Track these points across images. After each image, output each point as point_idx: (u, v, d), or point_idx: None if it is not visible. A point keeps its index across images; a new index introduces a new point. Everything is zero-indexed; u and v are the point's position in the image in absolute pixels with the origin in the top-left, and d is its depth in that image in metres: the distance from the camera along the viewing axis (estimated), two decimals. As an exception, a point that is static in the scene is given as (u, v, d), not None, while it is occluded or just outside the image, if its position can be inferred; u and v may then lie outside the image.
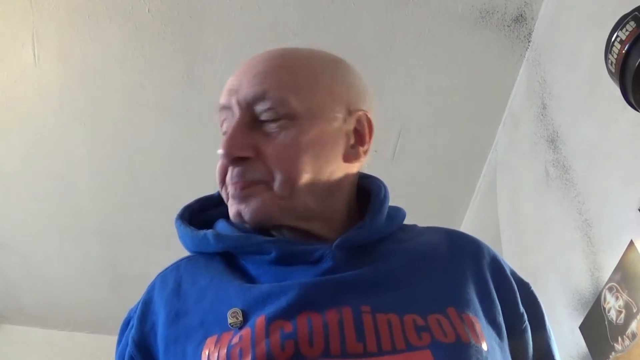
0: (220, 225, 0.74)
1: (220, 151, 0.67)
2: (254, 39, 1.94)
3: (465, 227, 2.51)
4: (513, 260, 2.01)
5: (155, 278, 0.75)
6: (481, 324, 0.63)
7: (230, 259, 0.72)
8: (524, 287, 0.75)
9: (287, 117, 0.67)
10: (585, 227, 1.51)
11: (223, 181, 0.71)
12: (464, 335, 0.60)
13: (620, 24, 1.08)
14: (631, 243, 1.27)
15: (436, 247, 0.73)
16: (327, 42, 2.06)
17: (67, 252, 2.77)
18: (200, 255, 0.74)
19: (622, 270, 1.31)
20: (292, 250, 0.67)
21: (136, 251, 2.71)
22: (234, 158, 0.67)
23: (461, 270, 0.70)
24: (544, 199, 1.77)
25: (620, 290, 1.30)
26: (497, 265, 0.74)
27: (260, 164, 0.67)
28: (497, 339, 0.65)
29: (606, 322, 1.34)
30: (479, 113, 2.14)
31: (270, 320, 0.59)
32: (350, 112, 0.73)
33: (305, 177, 0.68)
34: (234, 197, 0.68)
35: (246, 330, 0.59)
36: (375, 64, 1.99)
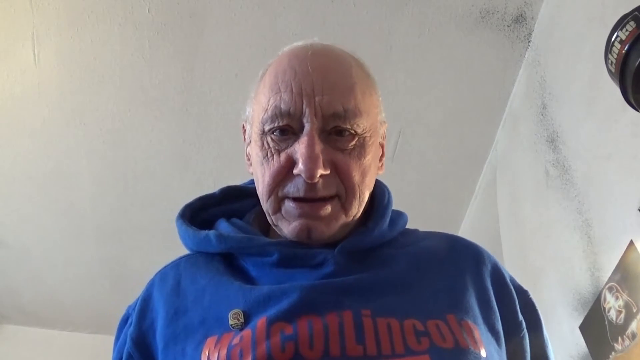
0: (222, 226, 0.74)
1: (301, 167, 0.63)
2: (254, 39, 1.94)
3: (465, 227, 2.51)
4: (513, 260, 2.01)
5: (155, 275, 0.75)
6: (480, 331, 0.64)
7: (230, 259, 0.72)
8: (523, 294, 0.76)
9: (359, 136, 0.67)
10: (585, 227, 1.51)
11: (276, 189, 0.67)
12: (463, 342, 0.60)
13: (620, 24, 1.08)
14: (631, 243, 1.27)
15: (437, 253, 0.73)
16: (327, 42, 2.07)
17: (67, 251, 2.77)
18: (200, 254, 0.74)
19: (622, 270, 1.31)
20: (294, 253, 0.67)
21: (136, 251, 2.71)
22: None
23: (461, 277, 0.70)
24: (544, 199, 1.77)
25: (620, 290, 1.30)
26: (497, 273, 0.74)
27: (335, 180, 0.65)
28: (496, 345, 0.66)
29: (606, 322, 1.34)
30: (479, 113, 2.14)
31: (271, 322, 0.59)
32: (381, 125, 0.75)
33: (367, 195, 0.70)
34: (307, 214, 0.65)
35: (247, 332, 0.59)
36: (375, 64, 1.98)
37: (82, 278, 2.91)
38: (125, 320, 0.73)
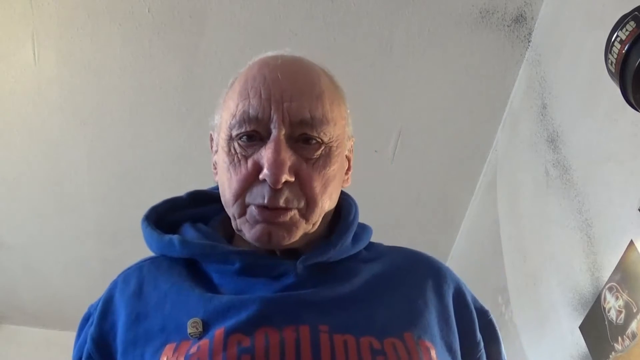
0: (186, 230, 0.75)
1: (266, 172, 0.63)
2: (254, 39, 1.94)
3: (465, 227, 2.51)
4: (513, 260, 2.01)
5: (117, 277, 0.77)
6: (437, 350, 0.64)
7: (194, 264, 0.72)
8: (484, 315, 0.77)
9: (325, 145, 0.67)
10: (585, 227, 1.51)
11: (242, 195, 0.66)
12: None
13: (620, 24, 1.08)
14: (631, 243, 1.27)
15: (399, 269, 0.73)
16: (327, 42, 2.07)
17: (67, 252, 2.77)
18: (164, 258, 0.75)
19: (622, 270, 1.31)
20: (256, 263, 0.67)
21: (136, 251, 2.69)
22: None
23: (422, 295, 0.70)
24: (544, 199, 1.77)
25: (620, 290, 1.30)
26: (459, 292, 0.75)
27: (297, 189, 0.65)
28: None
29: (606, 322, 1.34)
30: (479, 113, 2.14)
31: (228, 333, 0.60)
32: (349, 138, 0.75)
33: (328, 206, 0.69)
34: (267, 220, 0.65)
35: (204, 341, 0.60)
36: (375, 64, 1.99)
37: (82, 278, 2.91)
38: (86, 319, 0.75)
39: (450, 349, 0.67)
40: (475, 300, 0.77)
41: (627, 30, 1.06)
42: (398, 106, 2.10)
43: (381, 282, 0.70)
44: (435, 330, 0.67)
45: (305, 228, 0.67)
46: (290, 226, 0.66)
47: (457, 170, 2.34)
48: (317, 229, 0.69)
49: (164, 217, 0.79)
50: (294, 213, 0.65)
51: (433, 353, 0.63)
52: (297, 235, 0.67)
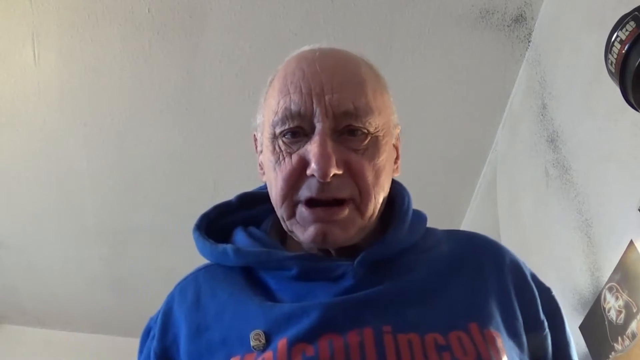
0: (239, 236, 0.73)
1: (313, 167, 0.61)
2: (254, 39, 1.94)
3: (465, 227, 2.51)
4: (513, 260, 2.01)
5: (174, 288, 0.74)
6: (503, 338, 0.63)
7: (250, 272, 0.71)
8: (546, 292, 0.74)
9: (372, 135, 0.66)
10: (585, 227, 1.51)
11: (290, 194, 0.65)
12: (485, 353, 0.60)
13: (620, 24, 1.08)
14: (631, 243, 1.27)
15: (457, 255, 0.72)
16: (327, 42, 2.06)
17: (67, 252, 2.77)
18: (218, 266, 0.73)
19: (622, 270, 1.31)
20: (313, 267, 0.66)
21: (136, 251, 2.70)
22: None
23: (483, 281, 0.69)
24: (544, 199, 1.77)
25: (620, 290, 1.30)
26: (518, 272, 0.73)
27: (349, 180, 0.64)
28: (518, 351, 0.65)
29: (606, 322, 1.34)
30: (479, 113, 2.14)
31: (292, 344, 0.59)
32: (395, 127, 0.74)
33: (382, 197, 0.68)
34: (321, 219, 0.63)
35: (268, 354, 0.59)
36: (375, 64, 1.99)
37: (82, 278, 2.91)
38: (147, 333, 0.73)
39: (515, 335, 0.66)
40: (534, 277, 0.75)
41: (627, 30, 1.06)
42: (398, 106, 2.09)
43: (440, 273, 0.68)
44: (499, 317, 0.66)
45: (361, 223, 0.66)
46: (346, 223, 0.64)
47: (457, 170, 2.34)
48: (371, 222, 0.68)
49: (214, 223, 0.77)
50: (348, 209, 0.64)
51: (499, 342, 0.62)
52: (353, 232, 0.65)
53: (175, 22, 1.92)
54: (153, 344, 0.69)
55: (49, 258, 2.81)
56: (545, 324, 0.71)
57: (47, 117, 2.19)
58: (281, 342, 0.59)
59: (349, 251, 0.67)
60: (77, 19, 1.92)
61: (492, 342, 0.61)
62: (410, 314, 0.62)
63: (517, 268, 0.73)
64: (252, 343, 0.60)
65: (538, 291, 0.73)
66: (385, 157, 0.67)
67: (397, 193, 0.75)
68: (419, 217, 0.76)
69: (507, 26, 1.89)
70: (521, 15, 1.86)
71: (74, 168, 2.38)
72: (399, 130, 0.75)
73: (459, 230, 0.79)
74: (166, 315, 0.70)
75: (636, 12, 1.06)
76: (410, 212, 0.74)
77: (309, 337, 0.59)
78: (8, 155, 2.35)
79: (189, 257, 0.84)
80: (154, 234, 2.58)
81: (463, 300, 0.65)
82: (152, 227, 2.56)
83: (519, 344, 0.66)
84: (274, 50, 1.93)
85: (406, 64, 2.00)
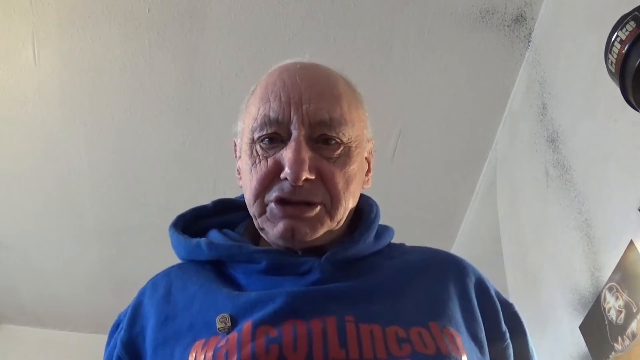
0: (213, 235, 0.77)
1: (287, 171, 0.65)
2: (254, 39, 1.94)
3: (465, 227, 2.51)
4: (513, 260, 2.01)
5: (147, 283, 0.77)
6: (462, 338, 0.65)
7: (220, 268, 0.74)
8: (508, 307, 0.77)
9: (345, 145, 0.69)
10: (585, 227, 1.51)
11: (262, 193, 0.68)
12: (444, 348, 0.62)
13: (620, 24, 1.08)
14: (631, 243, 1.27)
15: (422, 264, 0.75)
16: (327, 42, 2.07)
17: (67, 252, 2.77)
18: (191, 263, 0.76)
19: (622, 270, 1.31)
20: (282, 261, 0.69)
21: (136, 251, 2.71)
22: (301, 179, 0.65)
23: (445, 287, 0.72)
24: (544, 199, 1.77)
25: (620, 290, 1.30)
26: (482, 286, 0.76)
27: (321, 186, 0.67)
28: (479, 354, 0.68)
29: (606, 322, 1.34)
30: (479, 113, 2.14)
31: (256, 325, 0.61)
32: (367, 141, 0.77)
33: (351, 204, 0.71)
34: (291, 215, 0.67)
35: (233, 335, 0.61)
36: (375, 64, 1.99)
37: (82, 278, 2.91)
38: (116, 326, 0.75)
39: (475, 339, 0.68)
40: (498, 294, 0.78)
41: (627, 30, 1.06)
42: (398, 106, 2.10)
43: (405, 276, 0.71)
44: (460, 320, 0.68)
45: (330, 226, 0.69)
46: (315, 222, 0.67)
47: (457, 170, 2.34)
48: (339, 227, 0.71)
49: (190, 225, 0.80)
50: (318, 209, 0.67)
51: (459, 340, 0.64)
52: (321, 232, 0.68)
53: (175, 22, 1.92)
54: (120, 335, 0.71)
55: (49, 258, 2.81)
56: (507, 335, 0.74)
57: (47, 117, 2.20)
58: (246, 325, 0.61)
59: (315, 252, 0.70)
60: (77, 19, 1.92)
61: (452, 339, 0.64)
62: (373, 308, 0.65)
63: (480, 281, 0.76)
64: (217, 325, 0.63)
65: (500, 305, 0.76)
66: (356, 166, 0.71)
67: (366, 205, 0.79)
68: (386, 229, 0.80)
69: (507, 26, 1.89)
70: (521, 15, 1.86)
71: (74, 168, 2.38)
72: (372, 145, 0.79)
73: (425, 247, 0.82)
74: (135, 308, 0.73)
75: (636, 12, 1.06)
76: (378, 221, 0.78)
77: (273, 320, 0.61)
78: (8, 155, 2.35)
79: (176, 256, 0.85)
80: (154, 234, 2.58)
81: (425, 302, 0.68)
82: (152, 227, 2.56)
83: (479, 348, 0.68)
84: (274, 50, 1.94)
85: (406, 64, 2.00)
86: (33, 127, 2.23)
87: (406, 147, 2.23)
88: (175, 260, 0.79)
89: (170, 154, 2.31)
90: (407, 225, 2.51)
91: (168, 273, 0.76)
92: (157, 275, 0.77)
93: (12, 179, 2.43)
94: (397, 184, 2.34)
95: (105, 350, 0.74)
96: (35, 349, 3.18)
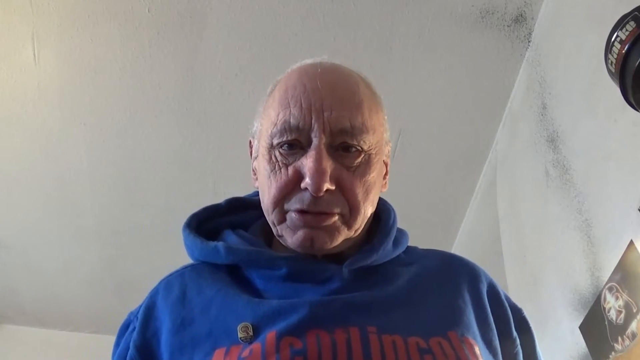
0: (229, 237, 0.75)
1: (307, 181, 0.64)
2: (254, 39, 1.94)
3: (465, 227, 2.51)
4: (513, 260, 2.01)
5: (159, 284, 0.75)
6: (480, 347, 0.66)
7: (235, 271, 0.73)
8: (518, 313, 0.78)
9: (365, 153, 0.68)
10: (585, 227, 1.51)
11: (282, 202, 0.67)
12: (464, 358, 0.62)
13: (620, 24, 1.08)
14: (631, 243, 1.27)
15: (437, 271, 0.75)
16: (327, 42, 2.07)
17: (67, 252, 2.77)
18: (205, 265, 0.74)
19: (622, 270, 1.31)
20: (302, 267, 0.68)
21: (136, 251, 2.71)
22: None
23: (461, 296, 0.72)
24: (544, 199, 1.76)
25: (620, 290, 1.30)
26: (493, 291, 0.76)
27: (340, 196, 0.66)
28: None
29: (606, 322, 1.34)
30: (479, 113, 2.14)
31: (280, 336, 0.60)
32: (386, 143, 0.76)
33: (370, 211, 0.71)
34: (310, 224, 0.66)
35: (256, 345, 0.60)
36: (375, 64, 1.99)
37: (82, 278, 2.91)
38: (126, 327, 0.73)
39: (490, 346, 0.69)
40: (508, 298, 0.78)
41: (627, 30, 1.06)
42: (398, 106, 2.10)
43: (421, 284, 0.72)
44: (476, 328, 0.69)
45: (347, 234, 0.68)
46: (333, 231, 0.67)
47: (457, 170, 2.34)
48: (357, 234, 0.71)
49: (202, 225, 0.79)
50: (336, 218, 0.66)
51: (477, 349, 0.65)
52: (339, 240, 0.67)
53: (175, 22, 1.92)
54: (133, 336, 0.69)
55: (49, 258, 2.81)
56: (518, 341, 0.74)
57: (47, 117, 2.20)
58: (270, 335, 0.61)
59: (334, 258, 0.70)
60: (77, 19, 1.92)
61: (470, 348, 0.64)
62: (394, 317, 0.65)
63: (492, 286, 0.77)
64: (239, 335, 0.62)
65: (511, 311, 0.76)
66: (375, 174, 0.70)
67: (383, 209, 0.78)
68: (403, 233, 0.80)
69: (507, 26, 1.89)
70: (521, 15, 1.86)
71: (74, 168, 2.38)
72: (389, 147, 0.78)
73: (438, 250, 0.82)
74: (149, 309, 0.71)
75: (636, 12, 1.06)
76: (395, 227, 0.78)
77: (297, 331, 0.61)
78: (8, 155, 2.35)
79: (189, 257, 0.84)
80: (154, 234, 2.58)
81: (442, 310, 0.68)
82: (152, 227, 2.56)
83: (494, 356, 0.69)
84: (274, 50, 1.93)
85: (406, 64, 2.00)
86: (33, 127, 2.23)
87: (406, 147, 2.23)
88: (173, 260, 0.78)
89: (170, 154, 2.31)
90: (407, 225, 2.50)
91: (182, 274, 0.75)
92: (169, 275, 0.76)
93: (12, 179, 2.43)
94: (397, 184, 2.33)
95: (114, 351, 0.73)
96: (35, 349, 3.18)
